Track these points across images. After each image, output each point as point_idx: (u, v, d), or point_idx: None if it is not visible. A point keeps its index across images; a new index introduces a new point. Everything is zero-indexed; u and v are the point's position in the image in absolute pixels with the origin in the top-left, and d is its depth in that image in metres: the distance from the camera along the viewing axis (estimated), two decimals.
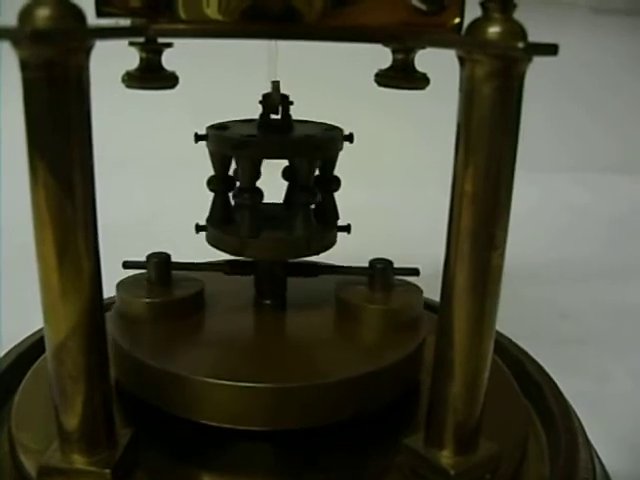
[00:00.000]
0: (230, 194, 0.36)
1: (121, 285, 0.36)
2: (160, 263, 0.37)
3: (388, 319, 0.35)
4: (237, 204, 0.35)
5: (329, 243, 0.37)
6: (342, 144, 0.36)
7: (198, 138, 0.35)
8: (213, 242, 0.36)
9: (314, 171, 0.35)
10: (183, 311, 0.35)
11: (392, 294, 0.37)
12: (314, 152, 0.34)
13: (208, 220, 0.37)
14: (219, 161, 0.36)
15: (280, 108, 0.35)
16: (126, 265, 0.37)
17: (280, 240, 0.35)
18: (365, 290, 0.37)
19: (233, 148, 0.34)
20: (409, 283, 0.38)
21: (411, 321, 0.36)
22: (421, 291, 0.37)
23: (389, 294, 0.37)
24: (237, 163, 0.35)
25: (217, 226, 0.36)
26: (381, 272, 0.37)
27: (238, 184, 0.35)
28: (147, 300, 0.35)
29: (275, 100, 0.35)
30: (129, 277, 0.37)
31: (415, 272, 0.38)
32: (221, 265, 0.38)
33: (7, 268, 0.61)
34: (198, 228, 0.37)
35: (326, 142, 0.35)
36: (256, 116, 0.36)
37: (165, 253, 0.37)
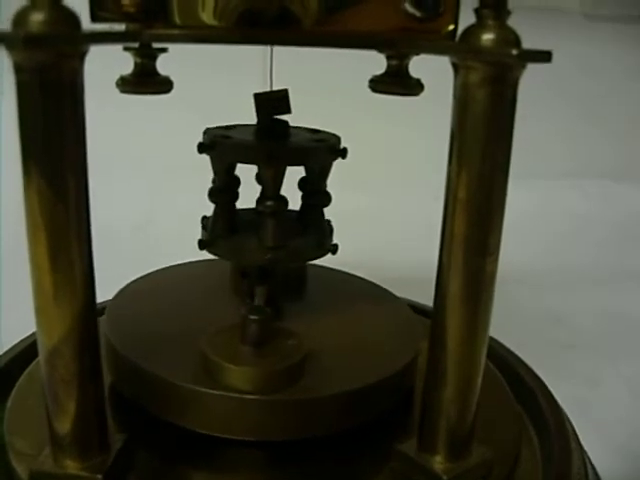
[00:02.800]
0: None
1: None
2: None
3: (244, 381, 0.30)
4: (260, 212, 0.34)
5: (314, 255, 0.36)
6: (331, 157, 0.35)
7: (204, 148, 0.34)
8: (223, 254, 0.36)
9: (279, 180, 0.34)
10: None
11: (262, 352, 0.31)
12: (334, 156, 0.34)
13: (215, 234, 0.36)
14: (224, 170, 0.35)
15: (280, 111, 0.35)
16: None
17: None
18: (235, 345, 0.31)
19: (265, 158, 0.33)
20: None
21: (401, 326, 0.35)
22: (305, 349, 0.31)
23: (256, 351, 0.31)
24: (261, 172, 0.34)
25: (225, 237, 0.35)
26: (253, 324, 0.31)
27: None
28: None
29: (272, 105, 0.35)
30: None
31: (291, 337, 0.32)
32: None
33: (7, 267, 0.61)
34: (202, 244, 0.36)
35: (306, 153, 0.34)
36: (249, 121, 0.36)
37: None
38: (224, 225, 0.35)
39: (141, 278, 0.40)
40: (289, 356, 0.31)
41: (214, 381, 0.30)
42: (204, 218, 0.37)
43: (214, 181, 0.36)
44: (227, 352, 0.31)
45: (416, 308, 0.41)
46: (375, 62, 0.34)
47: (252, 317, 0.31)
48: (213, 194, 0.35)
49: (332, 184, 0.37)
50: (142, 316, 0.36)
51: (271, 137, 0.35)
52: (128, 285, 0.39)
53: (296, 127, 0.37)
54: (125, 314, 0.36)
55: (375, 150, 0.79)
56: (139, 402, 0.32)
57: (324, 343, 0.34)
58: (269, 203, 0.34)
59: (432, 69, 0.33)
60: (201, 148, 0.34)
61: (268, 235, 0.34)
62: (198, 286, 0.41)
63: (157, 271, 0.41)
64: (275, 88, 0.36)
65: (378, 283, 0.42)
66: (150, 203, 0.79)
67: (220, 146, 0.34)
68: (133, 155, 0.79)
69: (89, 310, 0.26)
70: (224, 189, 0.35)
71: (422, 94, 0.33)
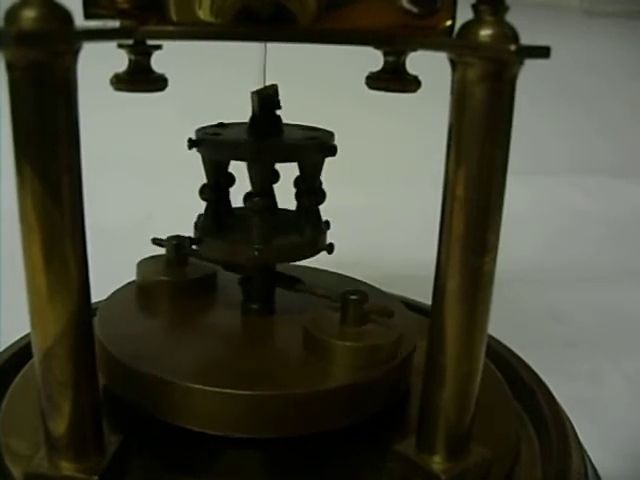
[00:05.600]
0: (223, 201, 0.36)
1: (142, 263, 0.40)
2: (178, 245, 0.40)
3: (359, 357, 0.32)
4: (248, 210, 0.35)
5: (310, 251, 0.36)
6: (321, 154, 0.35)
7: (192, 144, 0.35)
8: (207, 252, 0.36)
9: (320, 172, 0.35)
10: (196, 291, 0.38)
11: (365, 329, 0.33)
12: (323, 154, 0.34)
13: (202, 231, 0.36)
14: (214, 168, 0.35)
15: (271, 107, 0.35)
16: (154, 241, 0.41)
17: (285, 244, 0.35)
18: (337, 324, 0.33)
19: (251, 154, 0.33)
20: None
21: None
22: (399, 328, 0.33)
23: (361, 329, 0.33)
24: (250, 169, 0.34)
25: (213, 235, 0.35)
26: (354, 305, 0.33)
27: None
28: (164, 278, 0.39)
29: (272, 102, 0.34)
30: (149, 257, 0.41)
31: (389, 314, 0.34)
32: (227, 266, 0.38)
33: (8, 268, 0.61)
34: (192, 241, 0.36)
35: (306, 149, 0.34)
36: (245, 118, 0.36)
37: (184, 236, 0.39)
38: (213, 223, 0.36)
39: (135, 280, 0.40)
40: (390, 331, 0.33)
41: (323, 359, 0.32)
42: (200, 216, 0.36)
43: (221, 191, 0.36)
44: (333, 331, 0.32)
45: (410, 305, 0.41)
46: (373, 58, 0.34)
47: (353, 297, 0.33)
48: (203, 192, 0.36)
49: (329, 182, 0.37)
50: (133, 317, 0.36)
51: (263, 134, 0.35)
52: (122, 287, 0.39)
53: (290, 124, 0.36)
54: (116, 315, 0.36)
55: (373, 147, 0.79)
56: (132, 402, 0.32)
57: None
58: (256, 200, 0.34)
59: (432, 63, 0.33)
60: (191, 144, 0.35)
61: (254, 233, 0.34)
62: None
63: None
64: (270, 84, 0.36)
65: (376, 281, 0.41)
66: (147, 201, 0.78)
67: (208, 143, 0.34)
68: (129, 153, 0.79)
69: (84, 311, 0.26)
70: (213, 187, 0.35)
71: (423, 89, 0.33)
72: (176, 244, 0.40)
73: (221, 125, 0.36)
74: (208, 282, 0.40)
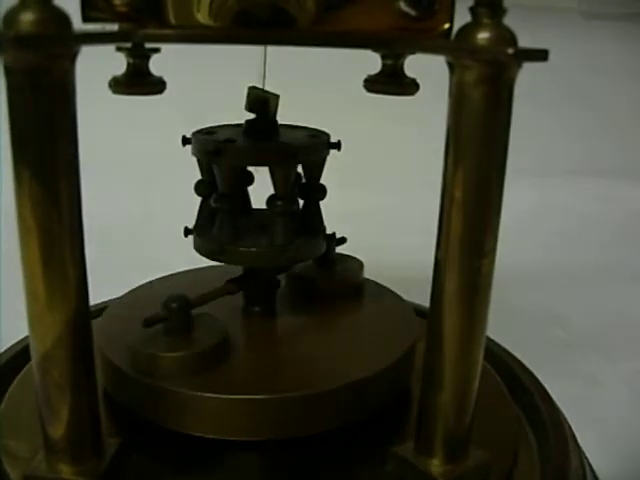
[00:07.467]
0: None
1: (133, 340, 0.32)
2: (180, 308, 0.32)
3: (334, 286, 0.39)
4: (216, 210, 0.35)
5: (312, 252, 0.36)
6: (327, 151, 0.35)
7: (185, 141, 0.35)
8: (197, 247, 0.36)
9: (291, 179, 0.34)
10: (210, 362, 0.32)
11: (335, 265, 0.40)
12: (290, 160, 0.34)
13: (195, 225, 0.36)
14: (205, 165, 0.35)
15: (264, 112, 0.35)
16: (147, 323, 0.32)
17: (259, 248, 0.35)
18: (313, 265, 0.40)
19: (209, 154, 0.33)
20: (348, 256, 0.42)
21: (397, 323, 0.37)
22: (360, 261, 0.42)
23: (333, 265, 0.40)
24: (215, 169, 0.34)
25: (201, 231, 0.36)
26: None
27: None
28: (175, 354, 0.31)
29: (266, 105, 0.34)
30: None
31: (342, 241, 0.41)
32: (230, 286, 0.37)
33: (7, 270, 0.61)
34: (187, 232, 0.36)
35: (305, 149, 0.34)
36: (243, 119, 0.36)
37: (184, 296, 0.33)
38: (231, 231, 0.35)
39: (148, 283, 0.40)
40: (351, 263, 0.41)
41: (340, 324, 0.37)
42: (187, 229, 0.36)
43: (215, 187, 0.35)
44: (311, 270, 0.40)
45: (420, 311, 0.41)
46: (372, 60, 0.34)
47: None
48: (198, 187, 0.36)
49: (330, 184, 0.37)
50: (134, 322, 0.36)
51: (260, 136, 0.35)
52: (133, 290, 0.39)
53: (287, 125, 0.36)
54: (118, 321, 0.36)
55: (374, 149, 0.79)
56: (135, 410, 0.32)
57: (318, 340, 0.35)
58: (223, 201, 0.34)
59: (435, 64, 0.33)
60: (182, 141, 0.34)
61: (221, 232, 0.34)
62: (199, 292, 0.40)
63: (162, 278, 0.41)
64: (270, 86, 0.36)
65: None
66: (145, 203, 0.78)
67: (229, 151, 0.33)
68: (128, 153, 0.79)
69: (82, 315, 0.26)
70: (207, 183, 0.36)
71: (424, 91, 0.33)
72: (178, 306, 0.32)
73: (221, 126, 0.36)
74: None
